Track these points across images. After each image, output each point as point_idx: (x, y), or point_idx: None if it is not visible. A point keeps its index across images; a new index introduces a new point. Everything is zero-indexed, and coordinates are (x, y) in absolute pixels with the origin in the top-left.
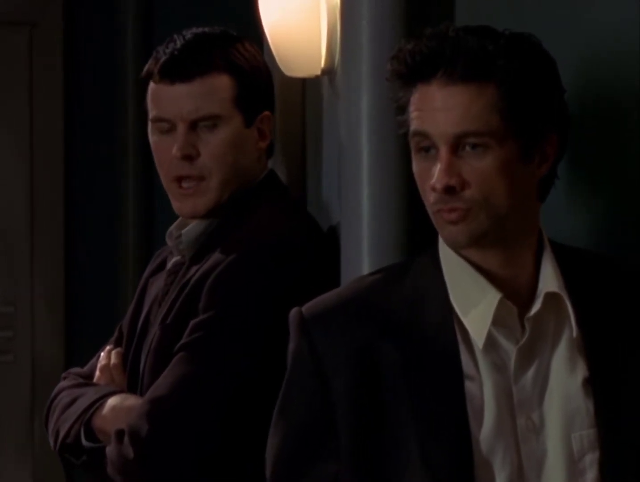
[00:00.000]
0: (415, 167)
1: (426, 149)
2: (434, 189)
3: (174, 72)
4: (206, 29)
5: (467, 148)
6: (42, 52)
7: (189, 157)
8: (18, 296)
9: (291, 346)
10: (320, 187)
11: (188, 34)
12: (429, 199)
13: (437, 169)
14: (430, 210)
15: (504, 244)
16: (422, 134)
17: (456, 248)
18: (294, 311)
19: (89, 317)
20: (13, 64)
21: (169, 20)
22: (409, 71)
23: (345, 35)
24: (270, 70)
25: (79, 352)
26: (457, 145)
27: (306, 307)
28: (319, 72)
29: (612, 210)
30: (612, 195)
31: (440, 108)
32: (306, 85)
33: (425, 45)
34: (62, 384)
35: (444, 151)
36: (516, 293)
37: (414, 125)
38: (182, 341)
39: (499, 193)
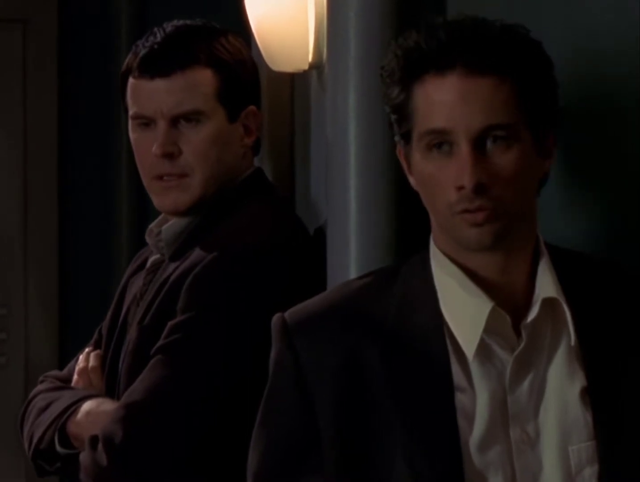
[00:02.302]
0: (425, 167)
1: (439, 146)
2: (461, 188)
3: (153, 66)
4: (188, 22)
5: (489, 143)
6: (35, 50)
7: (170, 155)
8: (11, 297)
9: (273, 354)
10: (308, 186)
11: (169, 26)
12: (449, 199)
13: (462, 166)
14: (448, 211)
15: (509, 246)
16: (438, 131)
17: (479, 250)
18: (276, 317)
19: (83, 319)
20: (6, 61)
21: (164, 18)
22: (422, 60)
23: (332, 27)
24: (257, 65)
25: (73, 354)
26: (480, 140)
27: (289, 313)
28: (306, 67)
29: (610, 213)
30: (610, 197)
31: (461, 101)
32: (295, 81)
33: (443, 33)
34: (39, 387)
35: (467, 147)
36: (511, 299)
37: (426, 123)
38: (159, 343)
39: (520, 190)
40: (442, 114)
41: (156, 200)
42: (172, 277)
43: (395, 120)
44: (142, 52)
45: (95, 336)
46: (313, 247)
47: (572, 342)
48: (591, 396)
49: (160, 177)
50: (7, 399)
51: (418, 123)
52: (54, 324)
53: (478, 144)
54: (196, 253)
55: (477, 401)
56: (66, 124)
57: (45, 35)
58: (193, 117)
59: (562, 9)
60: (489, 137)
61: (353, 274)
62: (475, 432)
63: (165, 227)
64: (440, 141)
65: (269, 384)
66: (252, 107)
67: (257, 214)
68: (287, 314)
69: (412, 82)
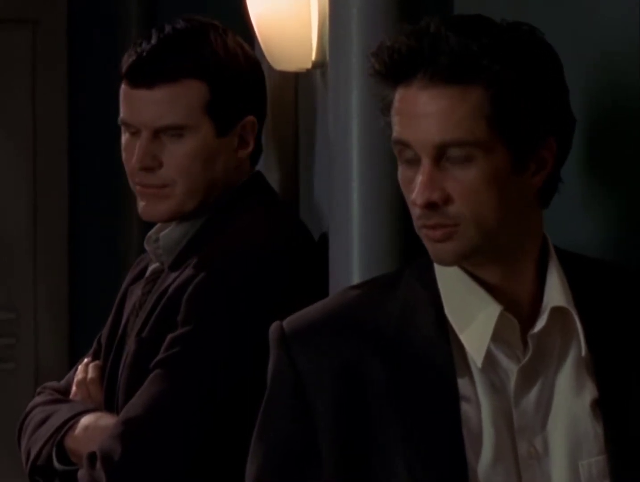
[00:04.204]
0: (399, 175)
1: (408, 158)
2: (414, 204)
3: (138, 75)
4: (189, 24)
5: (450, 159)
6: (45, 50)
7: (149, 169)
8: (20, 301)
9: (271, 363)
10: (312, 190)
11: (167, 27)
12: (414, 213)
13: (418, 181)
14: (416, 224)
15: (500, 257)
16: (402, 143)
17: (443, 266)
18: (274, 326)
19: (93, 323)
20: (16, 61)
21: (172, 17)
22: (388, 71)
23: (334, 24)
24: (262, 70)
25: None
26: (439, 155)
27: (287, 321)
28: (309, 66)
29: (628, 217)
30: (629, 200)
31: (420, 114)
32: (299, 81)
33: (404, 44)
34: (36, 399)
35: (425, 162)
36: (518, 307)
37: (395, 133)
38: (159, 357)
39: (488, 207)
40: (403, 126)
41: (139, 207)
42: (172, 288)
43: (385, 122)
44: (130, 58)
45: (94, 346)
46: (314, 247)
47: (583, 353)
48: (602, 408)
49: (142, 184)
50: (16, 404)
51: (393, 130)
52: (64, 328)
53: (439, 159)
54: (196, 261)
55: (482, 413)
56: (76, 124)
57: (55, 35)
58: (176, 131)
59: (570, 7)
60: (448, 154)
61: (356, 277)
62: (480, 447)
63: (162, 234)
64: (408, 154)
65: (267, 393)
66: (249, 118)
67: (257, 216)
68: (285, 323)
69: (390, 88)
